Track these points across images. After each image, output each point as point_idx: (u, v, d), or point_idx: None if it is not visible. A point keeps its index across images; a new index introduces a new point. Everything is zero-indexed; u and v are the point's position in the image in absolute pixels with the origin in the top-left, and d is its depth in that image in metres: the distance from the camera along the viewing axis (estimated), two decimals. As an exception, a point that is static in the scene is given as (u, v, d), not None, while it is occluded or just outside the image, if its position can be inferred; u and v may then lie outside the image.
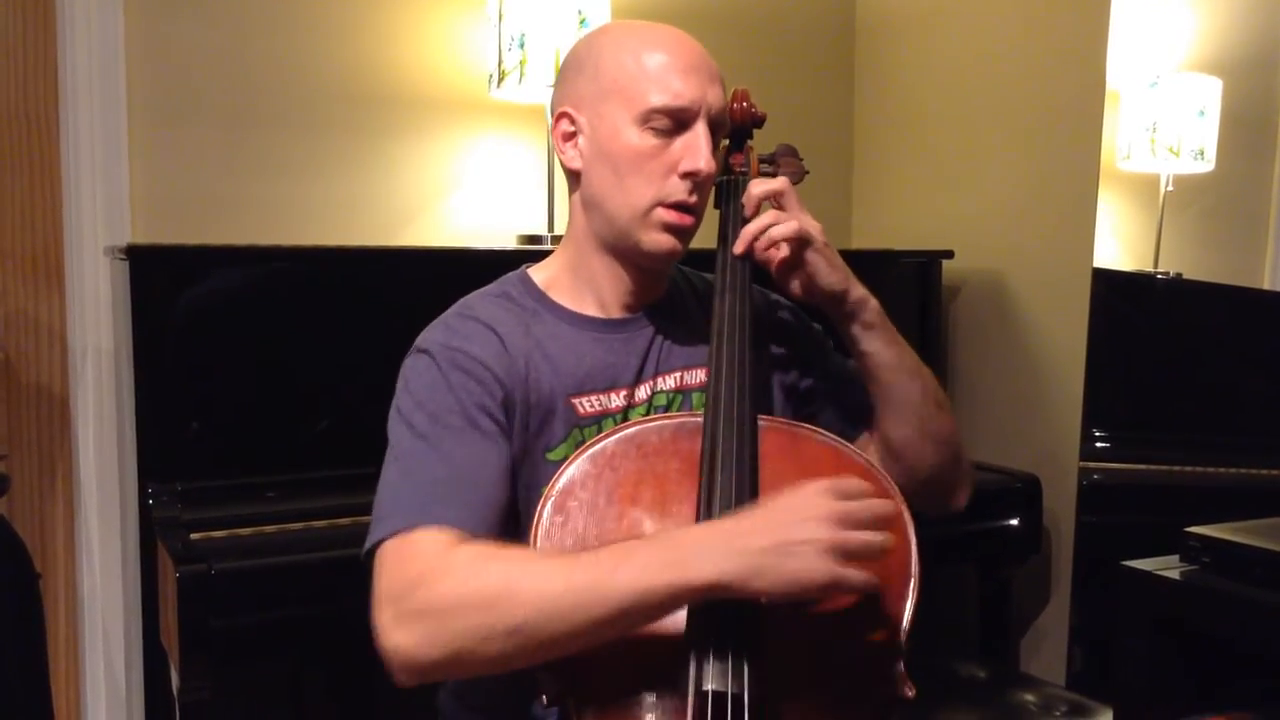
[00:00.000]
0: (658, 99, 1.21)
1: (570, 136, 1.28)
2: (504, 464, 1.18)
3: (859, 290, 1.27)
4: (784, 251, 1.24)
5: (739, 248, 1.26)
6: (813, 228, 1.24)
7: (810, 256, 1.24)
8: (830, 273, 1.25)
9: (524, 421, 1.22)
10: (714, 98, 1.24)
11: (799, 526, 0.99)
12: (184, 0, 2.29)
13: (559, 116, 1.29)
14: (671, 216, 1.23)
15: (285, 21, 2.37)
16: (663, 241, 1.24)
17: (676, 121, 1.22)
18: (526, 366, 1.24)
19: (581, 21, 2.27)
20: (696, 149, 1.22)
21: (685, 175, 1.22)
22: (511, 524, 1.18)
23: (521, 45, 2.27)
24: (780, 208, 1.27)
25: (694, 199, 1.24)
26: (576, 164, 1.28)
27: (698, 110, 1.22)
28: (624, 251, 1.27)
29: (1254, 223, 2.25)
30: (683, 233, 1.25)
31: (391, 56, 2.46)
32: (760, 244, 1.24)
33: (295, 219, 2.39)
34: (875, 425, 1.33)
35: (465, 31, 2.49)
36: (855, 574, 0.99)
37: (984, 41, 2.66)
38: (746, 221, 1.27)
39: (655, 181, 1.23)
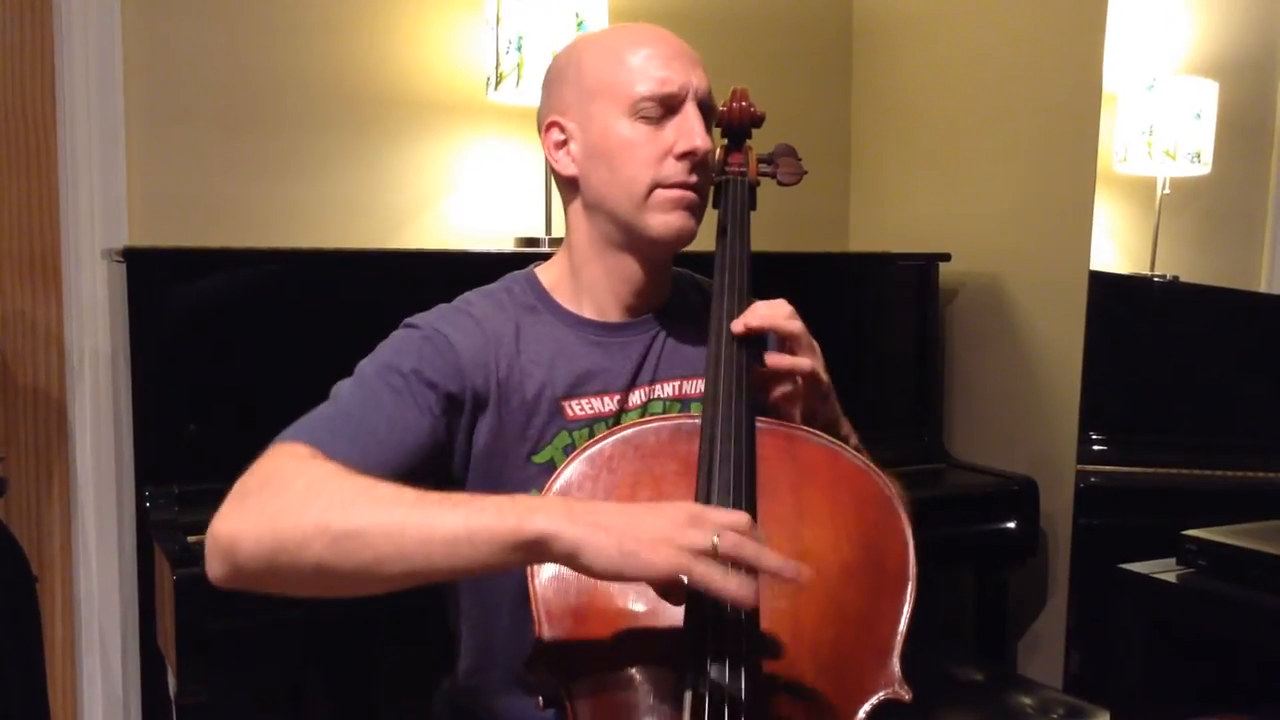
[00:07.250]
0: (644, 88, 1.22)
1: (562, 144, 1.28)
2: (420, 441, 1.17)
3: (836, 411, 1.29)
4: (790, 386, 1.24)
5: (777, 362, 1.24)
6: (820, 369, 1.24)
7: (813, 403, 1.25)
8: (826, 412, 1.26)
9: (498, 421, 1.22)
10: (699, 80, 1.24)
11: (650, 522, 0.96)
12: (182, 1, 2.29)
13: (548, 127, 1.29)
14: (674, 194, 1.23)
15: (283, 23, 2.37)
16: (672, 221, 1.24)
17: (666, 107, 1.23)
18: (509, 369, 1.23)
19: (579, 24, 2.27)
20: (691, 129, 1.22)
21: (683, 156, 1.22)
22: None
23: (519, 48, 2.27)
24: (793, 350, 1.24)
25: (694, 178, 1.24)
26: (571, 170, 1.28)
27: (685, 94, 1.23)
28: (635, 245, 1.27)
29: (1250, 225, 2.26)
30: (690, 208, 1.25)
31: (389, 58, 2.46)
32: (783, 364, 1.23)
33: (293, 221, 2.39)
34: None
35: (463, 34, 2.49)
36: (701, 568, 0.93)
37: (981, 44, 2.67)
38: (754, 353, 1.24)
39: (651, 166, 1.22)
